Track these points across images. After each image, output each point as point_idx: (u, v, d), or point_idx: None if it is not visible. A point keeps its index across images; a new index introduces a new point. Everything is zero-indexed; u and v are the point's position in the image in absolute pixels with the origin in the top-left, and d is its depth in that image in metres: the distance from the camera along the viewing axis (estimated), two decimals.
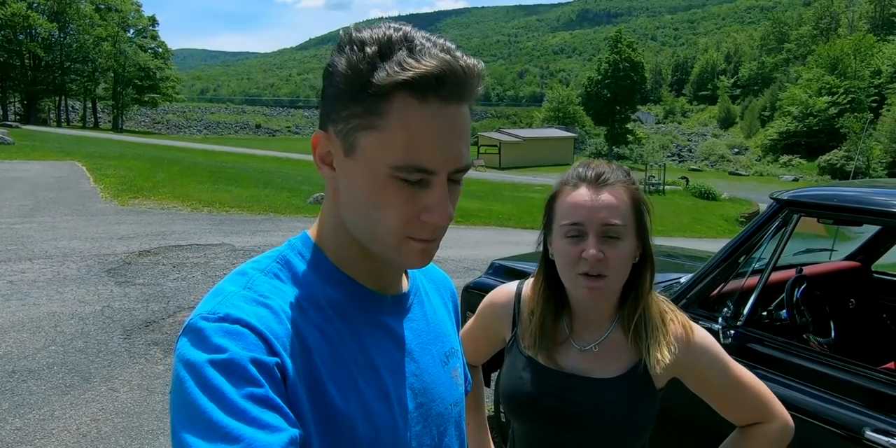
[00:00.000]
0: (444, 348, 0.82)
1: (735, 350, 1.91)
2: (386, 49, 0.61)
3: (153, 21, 63.34)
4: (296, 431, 0.57)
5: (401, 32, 0.62)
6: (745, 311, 1.98)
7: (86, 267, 6.19)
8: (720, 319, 1.97)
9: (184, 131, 79.64)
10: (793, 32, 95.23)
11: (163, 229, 8.44)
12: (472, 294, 3.09)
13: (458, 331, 0.93)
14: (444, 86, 0.61)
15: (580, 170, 1.11)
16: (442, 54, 0.61)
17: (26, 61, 52.65)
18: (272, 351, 0.60)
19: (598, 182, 1.07)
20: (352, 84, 0.62)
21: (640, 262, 1.11)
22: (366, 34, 0.63)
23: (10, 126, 32.04)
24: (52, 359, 3.90)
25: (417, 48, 0.61)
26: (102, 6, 57.58)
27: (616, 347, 1.13)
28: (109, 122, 63.96)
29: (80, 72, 56.48)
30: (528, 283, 1.23)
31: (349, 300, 0.71)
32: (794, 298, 2.15)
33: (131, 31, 60.96)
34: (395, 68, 0.60)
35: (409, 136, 0.61)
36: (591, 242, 1.04)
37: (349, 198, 0.67)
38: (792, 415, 1.15)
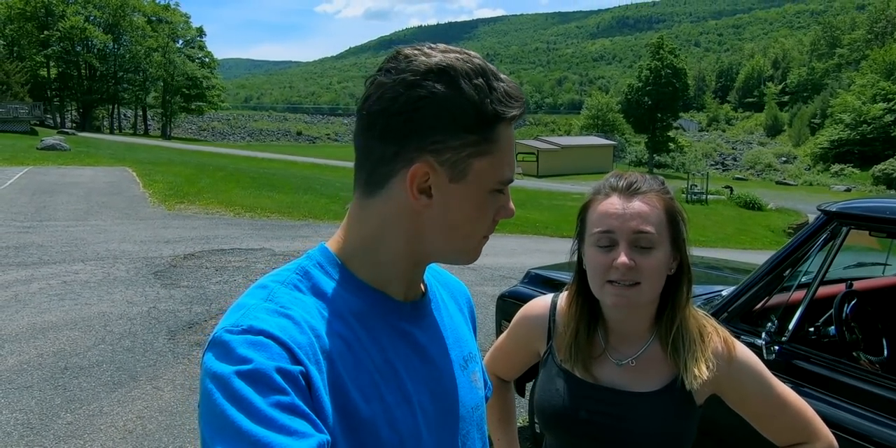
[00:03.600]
0: (462, 353, 0.83)
1: (779, 366, 1.85)
2: (485, 80, 0.69)
3: (201, 32, 65.59)
4: (324, 437, 0.58)
5: (478, 60, 0.70)
6: (791, 326, 1.92)
7: (134, 269, 6.43)
8: (764, 334, 1.91)
9: (228, 138, 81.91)
10: (845, 37, 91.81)
11: (207, 233, 8.70)
12: (508, 303, 3.08)
13: (476, 337, 0.94)
14: (521, 113, 0.72)
15: (612, 180, 1.10)
16: (513, 83, 0.72)
17: (83, 71, 55.21)
18: (296, 360, 0.61)
19: (629, 190, 1.06)
20: (468, 116, 0.67)
21: (677, 274, 1.09)
22: (463, 66, 0.68)
23: (68, 133, 33.60)
24: (102, 357, 4.06)
25: (502, 79, 0.70)
26: (154, 18, 59.99)
27: (654, 362, 1.11)
28: (159, 129, 66.40)
29: (132, 81, 58.87)
30: (563, 296, 1.22)
31: (369, 308, 0.72)
32: (844, 314, 2.07)
33: (180, 41, 63.24)
34: (505, 103, 0.69)
35: (508, 156, 0.72)
36: (622, 251, 1.03)
37: (444, 219, 0.71)
38: (840, 436, 1.11)
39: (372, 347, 0.70)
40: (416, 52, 0.68)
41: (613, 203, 1.06)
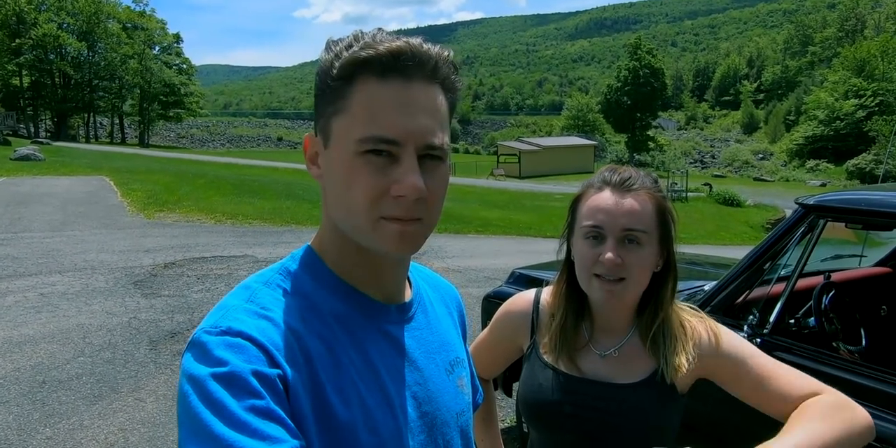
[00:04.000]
0: (448, 357, 0.82)
1: None
2: (353, 42, 0.65)
3: (178, 38, 64.87)
4: (297, 442, 0.57)
5: (370, 33, 0.66)
6: (772, 318, 1.94)
7: (113, 279, 6.32)
8: (746, 327, 1.94)
9: (207, 145, 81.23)
10: (817, 35, 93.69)
11: (187, 242, 8.59)
12: (493, 303, 3.08)
13: (466, 342, 0.92)
14: (402, 63, 0.63)
15: (606, 174, 1.11)
16: (402, 39, 0.64)
17: (56, 80, 54.32)
18: (274, 362, 0.60)
19: (622, 186, 1.07)
20: (324, 79, 0.66)
21: (663, 271, 1.10)
22: (340, 38, 0.66)
23: (42, 143, 32.95)
24: (81, 369, 3.98)
25: (379, 38, 0.64)
26: (129, 25, 59.23)
27: (636, 353, 1.12)
28: (136, 137, 65.56)
29: (107, 89, 58.12)
30: (547, 290, 1.23)
31: (351, 309, 0.71)
32: (823, 305, 2.10)
33: (157, 48, 62.46)
34: (355, 51, 0.64)
35: (372, 110, 0.63)
36: (609, 246, 1.04)
37: (331, 190, 0.68)
38: None
39: (353, 349, 0.69)
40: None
41: (605, 198, 1.07)
